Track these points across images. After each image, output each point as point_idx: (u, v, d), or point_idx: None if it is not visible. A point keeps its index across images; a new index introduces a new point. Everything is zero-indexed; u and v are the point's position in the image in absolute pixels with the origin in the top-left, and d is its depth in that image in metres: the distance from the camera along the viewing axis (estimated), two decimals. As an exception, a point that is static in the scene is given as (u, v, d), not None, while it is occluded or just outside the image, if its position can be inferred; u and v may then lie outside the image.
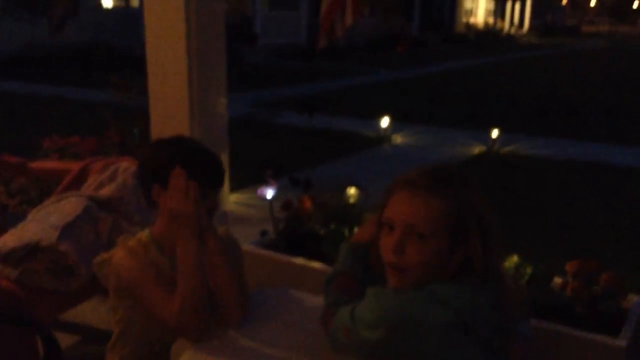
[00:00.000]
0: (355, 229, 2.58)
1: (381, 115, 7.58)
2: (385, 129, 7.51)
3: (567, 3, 50.78)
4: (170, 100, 3.60)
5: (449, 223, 1.28)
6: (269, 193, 2.94)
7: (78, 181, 2.65)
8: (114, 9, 20.29)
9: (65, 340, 2.69)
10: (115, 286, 1.70)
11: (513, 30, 37.80)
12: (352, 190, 3.03)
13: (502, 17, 37.92)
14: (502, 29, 36.69)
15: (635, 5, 66.96)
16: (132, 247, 1.69)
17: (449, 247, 1.29)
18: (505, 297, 1.29)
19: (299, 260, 2.64)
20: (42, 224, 2.23)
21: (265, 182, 2.99)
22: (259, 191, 2.99)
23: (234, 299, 1.66)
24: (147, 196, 1.70)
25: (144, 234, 1.74)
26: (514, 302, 1.31)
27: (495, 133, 6.90)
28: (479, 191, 1.32)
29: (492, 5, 36.89)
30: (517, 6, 39.20)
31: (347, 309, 1.34)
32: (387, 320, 1.22)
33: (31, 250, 2.15)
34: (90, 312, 2.91)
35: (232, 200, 4.53)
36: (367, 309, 1.27)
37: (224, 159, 3.95)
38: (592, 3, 68.04)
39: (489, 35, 33.06)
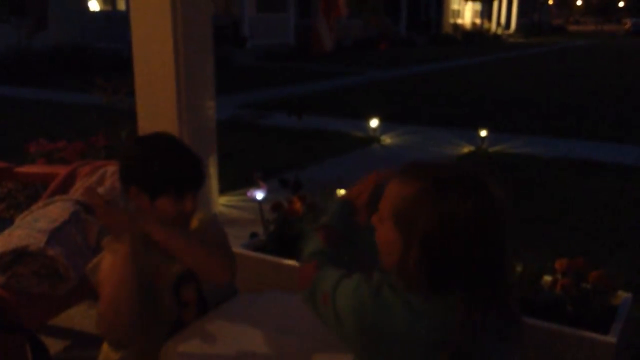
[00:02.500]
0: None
1: (370, 115, 7.58)
2: (375, 130, 7.52)
3: (553, 3, 51.12)
4: (158, 103, 3.58)
5: (398, 215, 1.19)
6: (259, 195, 2.93)
7: (66, 185, 2.63)
8: (101, 11, 20.20)
9: (54, 345, 2.67)
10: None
11: (500, 31, 38.02)
12: (342, 191, 3.03)
13: (489, 17, 38.14)
14: (488, 29, 36.90)
15: (620, 5, 67.55)
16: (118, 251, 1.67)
17: (399, 241, 1.18)
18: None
19: (290, 262, 2.63)
20: (29, 229, 2.21)
21: (255, 184, 2.98)
22: (249, 193, 2.99)
23: (217, 267, 1.67)
24: (125, 193, 1.71)
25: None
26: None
27: (483, 132, 6.93)
28: (460, 210, 1.13)
29: (478, 6, 37.09)
30: (504, 6, 39.42)
31: (334, 275, 1.28)
32: (360, 316, 1.18)
33: (19, 256, 2.13)
34: (80, 317, 2.89)
35: (221, 202, 4.51)
36: (348, 295, 1.22)
37: (213, 161, 3.93)
38: (578, 3, 68.56)
39: (475, 35, 33.26)
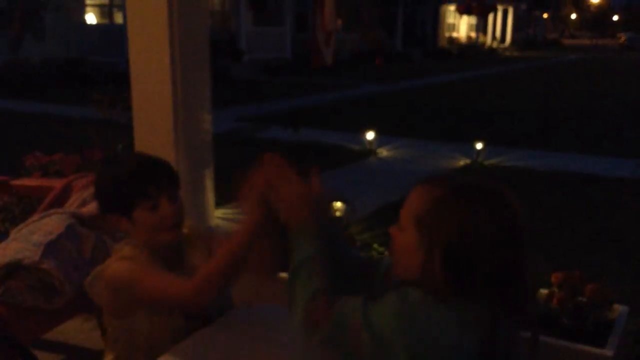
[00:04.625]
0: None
1: (366, 128, 7.61)
2: (371, 142, 7.54)
3: (548, 17, 51.50)
4: (154, 117, 3.58)
5: (420, 220, 1.18)
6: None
7: (61, 198, 2.63)
8: (98, 25, 20.28)
9: (48, 359, 2.65)
10: (112, 298, 1.64)
11: (495, 44, 38.26)
12: (338, 204, 3.03)
13: (484, 31, 38.39)
14: (484, 43, 37.13)
15: (615, 18, 68.06)
16: (128, 254, 1.66)
17: (421, 248, 1.17)
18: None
19: (287, 276, 2.62)
20: (24, 242, 2.20)
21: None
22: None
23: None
24: (108, 221, 1.69)
25: (128, 250, 1.69)
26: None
27: (479, 145, 6.96)
28: (482, 218, 1.14)
29: (474, 20, 37.35)
30: (499, 20, 39.70)
31: (357, 304, 1.22)
32: (409, 334, 1.13)
33: (14, 269, 2.12)
34: (74, 331, 2.87)
35: (217, 215, 4.50)
36: (387, 315, 1.16)
37: (209, 174, 3.93)
38: (573, 17, 69.09)
39: (471, 49, 33.45)
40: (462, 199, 1.17)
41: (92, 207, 2.41)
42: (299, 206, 1.37)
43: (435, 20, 33.93)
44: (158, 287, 1.57)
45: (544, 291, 2.30)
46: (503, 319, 1.16)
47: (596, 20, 66.46)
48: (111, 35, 18.05)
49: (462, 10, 32.49)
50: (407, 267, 1.22)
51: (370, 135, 7.51)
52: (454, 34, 35.81)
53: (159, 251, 1.68)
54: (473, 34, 37.73)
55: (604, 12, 70.70)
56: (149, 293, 1.58)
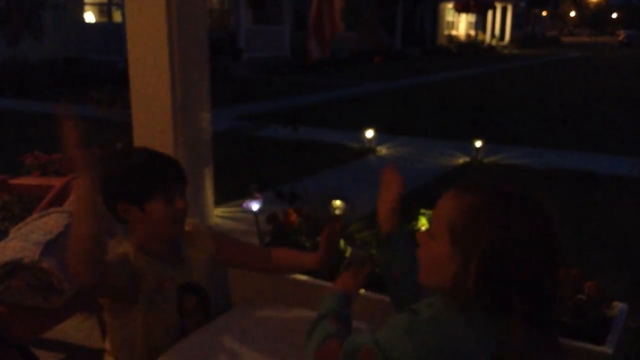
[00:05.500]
0: (341, 242, 2.58)
1: (366, 127, 7.61)
2: (370, 141, 7.54)
3: (547, 14, 51.49)
4: (154, 115, 3.58)
5: (456, 229, 1.15)
6: (255, 206, 2.93)
7: (61, 197, 2.63)
8: (97, 23, 20.26)
9: (48, 358, 2.65)
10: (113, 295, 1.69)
11: (494, 42, 38.24)
12: (337, 202, 3.03)
13: (484, 29, 38.37)
14: (483, 41, 37.11)
15: (614, 16, 68.05)
16: (125, 254, 1.68)
17: (455, 258, 1.14)
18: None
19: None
20: (24, 241, 2.20)
21: (251, 196, 2.98)
22: (245, 204, 2.99)
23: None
24: (114, 213, 1.70)
25: (126, 245, 1.71)
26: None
27: (478, 143, 6.96)
28: (522, 226, 1.11)
29: (473, 18, 37.33)
30: (498, 18, 39.68)
31: (363, 334, 1.23)
32: (424, 353, 1.10)
33: (13, 268, 2.12)
34: (74, 330, 2.87)
35: (217, 213, 4.50)
36: (399, 335, 1.13)
37: (208, 172, 3.93)
38: (572, 14, 69.07)
39: (470, 47, 33.44)
40: (498, 209, 1.13)
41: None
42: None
43: (434, 18, 33.91)
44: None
45: (543, 289, 2.30)
46: (536, 330, 1.13)
47: (595, 18, 66.48)
48: (110, 34, 18.03)
49: (460, 8, 32.46)
50: (437, 276, 1.19)
51: (369, 133, 7.51)
52: (453, 32, 35.79)
53: (155, 247, 1.71)
54: (472, 32, 37.72)
55: (602, 9, 70.71)
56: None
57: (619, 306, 2.23)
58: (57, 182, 2.75)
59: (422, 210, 2.78)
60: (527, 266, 1.10)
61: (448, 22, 35.52)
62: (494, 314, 1.12)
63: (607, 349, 1.99)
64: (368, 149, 7.52)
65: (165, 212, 1.66)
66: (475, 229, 1.12)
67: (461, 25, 37.08)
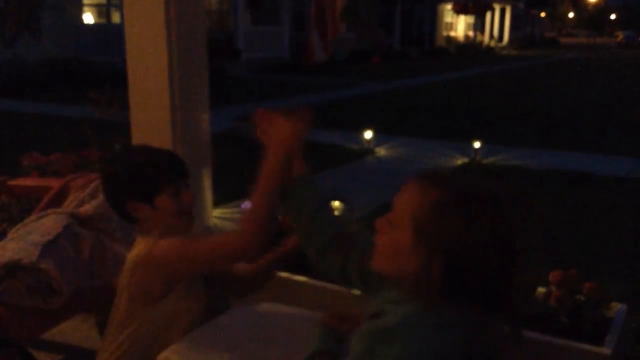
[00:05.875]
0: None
1: (364, 127, 7.61)
2: (369, 142, 7.54)
3: (545, 15, 51.55)
4: (152, 116, 3.58)
5: (420, 223, 1.15)
6: (253, 207, 2.92)
7: (59, 198, 2.62)
8: (95, 24, 20.25)
9: (47, 359, 2.65)
10: (156, 278, 1.68)
11: (493, 43, 38.27)
12: (336, 203, 3.03)
13: (482, 30, 38.39)
14: (482, 42, 37.14)
15: (612, 17, 68.12)
16: (157, 236, 1.71)
17: (419, 251, 1.15)
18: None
19: (283, 274, 2.62)
20: (22, 242, 2.20)
21: (249, 197, 2.97)
22: (243, 205, 2.99)
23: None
24: (122, 214, 1.73)
25: (150, 239, 1.72)
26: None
27: (477, 144, 6.96)
28: (481, 224, 1.13)
29: (471, 19, 37.35)
30: (497, 19, 39.72)
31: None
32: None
33: (12, 269, 2.11)
34: (73, 331, 2.87)
35: (215, 214, 4.51)
36: (367, 342, 1.16)
37: (207, 173, 3.93)
38: (570, 15, 69.16)
39: (469, 48, 33.48)
40: (464, 205, 1.14)
41: (89, 207, 2.41)
42: (284, 139, 1.52)
43: (433, 19, 33.93)
44: (208, 248, 1.63)
45: (541, 290, 2.31)
46: (490, 322, 1.17)
47: (593, 19, 66.51)
48: (108, 35, 18.01)
49: (458, 10, 32.53)
50: (397, 264, 1.19)
51: (368, 134, 7.51)
52: (452, 33, 35.81)
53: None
54: (471, 33, 37.75)
55: (601, 10, 70.77)
56: (204, 255, 1.64)
57: (617, 307, 2.23)
58: (55, 183, 2.74)
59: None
60: (488, 265, 1.13)
61: (447, 23, 35.55)
62: (460, 308, 1.14)
63: (606, 350, 2.00)
64: (367, 149, 7.52)
65: (174, 204, 1.71)
66: (440, 225, 1.13)
67: (460, 26, 37.11)
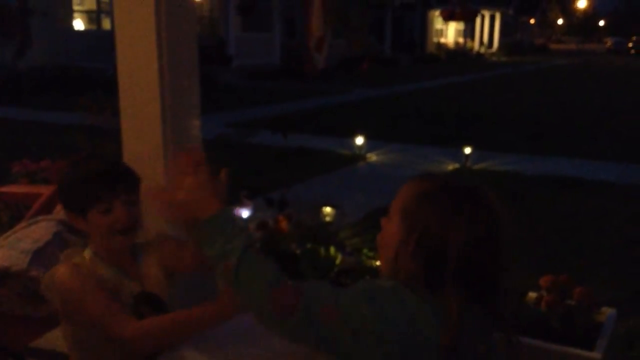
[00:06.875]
0: (331, 249, 2.57)
1: (356, 133, 7.62)
2: (360, 148, 7.56)
3: (535, 22, 51.90)
4: (143, 123, 3.57)
5: (404, 209, 1.22)
6: (244, 213, 2.93)
7: (49, 205, 2.61)
8: (86, 31, 20.19)
9: (36, 368, 2.62)
10: (62, 306, 1.68)
11: (483, 50, 38.47)
12: (327, 209, 3.03)
13: (472, 36, 38.58)
14: (472, 49, 37.31)
15: (601, 24, 68.66)
16: (77, 264, 1.69)
17: (399, 233, 1.21)
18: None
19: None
20: (12, 249, 2.18)
21: (240, 203, 2.97)
22: (234, 211, 2.98)
23: None
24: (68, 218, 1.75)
25: (87, 252, 1.73)
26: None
27: (468, 150, 6.99)
28: (461, 219, 1.17)
29: (461, 26, 37.53)
30: (486, 26, 39.93)
31: (327, 286, 1.21)
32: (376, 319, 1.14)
33: (1, 277, 2.10)
34: (62, 338, 2.84)
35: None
36: (360, 302, 1.15)
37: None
38: (560, 22, 69.67)
39: (459, 54, 33.62)
40: (447, 195, 1.21)
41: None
42: (207, 195, 1.33)
43: (423, 25, 34.08)
44: (98, 312, 1.58)
45: (532, 294, 2.31)
46: (471, 317, 1.18)
47: (583, 26, 67.08)
48: (99, 41, 17.95)
49: (446, 16, 32.63)
50: (386, 251, 1.25)
51: (359, 140, 7.53)
52: (442, 40, 35.98)
53: (113, 256, 1.71)
54: (461, 40, 37.93)
55: (590, 17, 71.37)
56: (88, 312, 1.59)
57: (608, 311, 2.24)
58: (45, 190, 2.73)
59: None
60: (461, 255, 1.15)
61: (437, 30, 35.72)
62: (435, 294, 1.16)
63: (596, 355, 2.00)
64: (358, 155, 7.53)
65: (104, 222, 1.64)
66: (419, 210, 1.19)
67: (450, 32, 37.28)
